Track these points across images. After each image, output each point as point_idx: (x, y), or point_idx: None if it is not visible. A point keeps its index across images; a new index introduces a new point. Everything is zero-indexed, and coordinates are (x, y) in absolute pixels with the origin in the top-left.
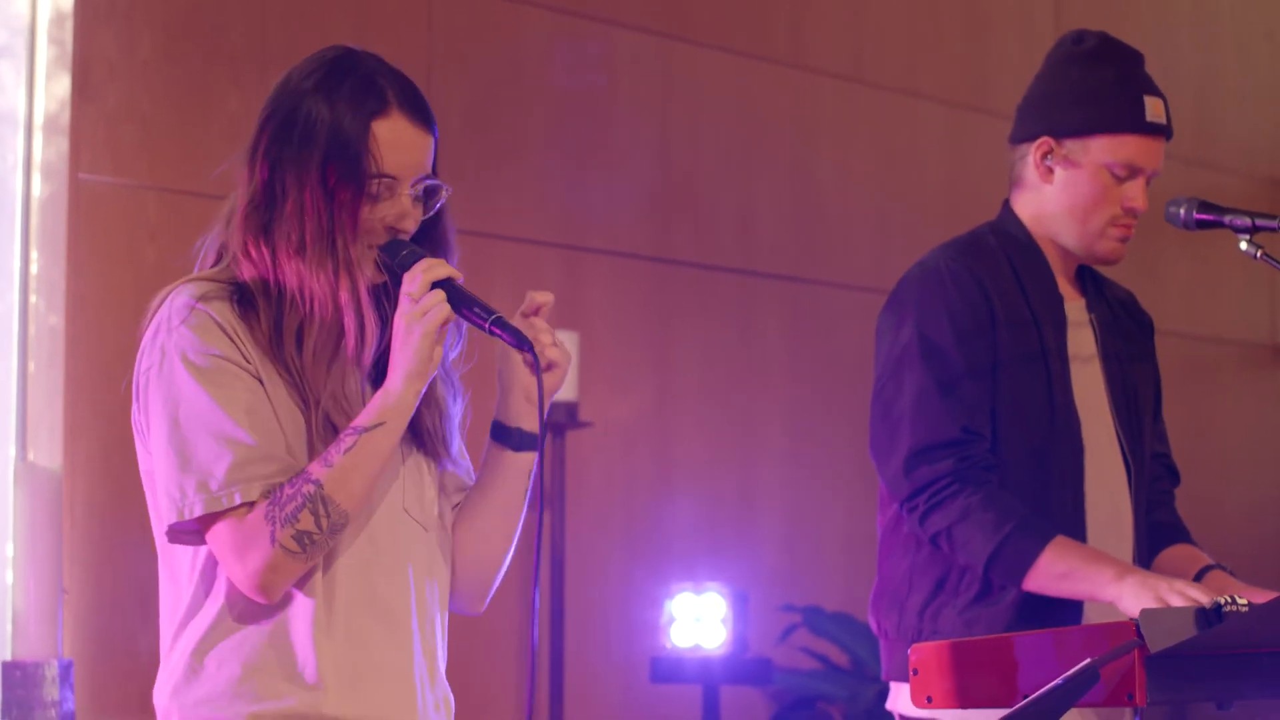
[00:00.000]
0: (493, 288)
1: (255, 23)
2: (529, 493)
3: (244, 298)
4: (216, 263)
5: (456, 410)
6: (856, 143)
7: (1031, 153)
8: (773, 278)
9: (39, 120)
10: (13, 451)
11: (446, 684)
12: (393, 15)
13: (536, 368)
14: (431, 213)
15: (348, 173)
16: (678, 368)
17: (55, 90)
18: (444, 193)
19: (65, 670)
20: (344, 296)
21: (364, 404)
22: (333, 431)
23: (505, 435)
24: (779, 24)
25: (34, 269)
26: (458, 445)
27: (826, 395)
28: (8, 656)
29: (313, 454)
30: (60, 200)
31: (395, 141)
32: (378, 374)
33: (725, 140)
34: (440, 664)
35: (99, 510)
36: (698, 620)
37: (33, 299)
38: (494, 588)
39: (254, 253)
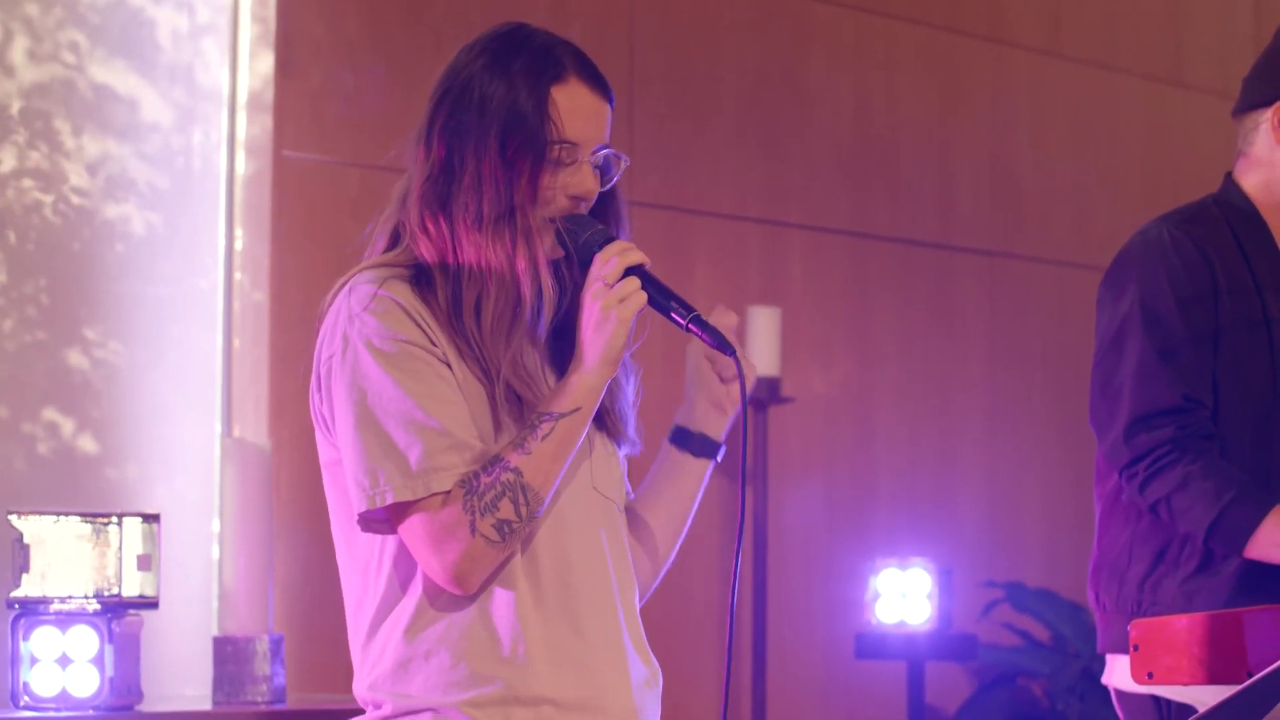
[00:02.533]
0: (694, 264)
1: (457, 1)
2: (699, 500)
3: (422, 279)
4: (389, 248)
5: (630, 389)
6: (1053, 116)
7: (1268, 118)
8: (970, 252)
9: (243, 98)
10: (218, 428)
11: (654, 656)
12: None
13: (739, 368)
14: (609, 185)
15: (526, 141)
16: (877, 342)
17: (259, 68)
18: (622, 163)
19: (276, 645)
20: (521, 264)
21: (541, 378)
22: (515, 402)
23: (687, 440)
24: None
25: (238, 245)
26: (634, 424)
27: (1025, 369)
28: (216, 631)
29: (497, 427)
30: (264, 177)
31: (575, 108)
32: (554, 349)
33: (922, 114)
34: (644, 637)
35: (305, 485)
36: (903, 596)
37: (237, 275)
38: (653, 587)
39: (431, 228)
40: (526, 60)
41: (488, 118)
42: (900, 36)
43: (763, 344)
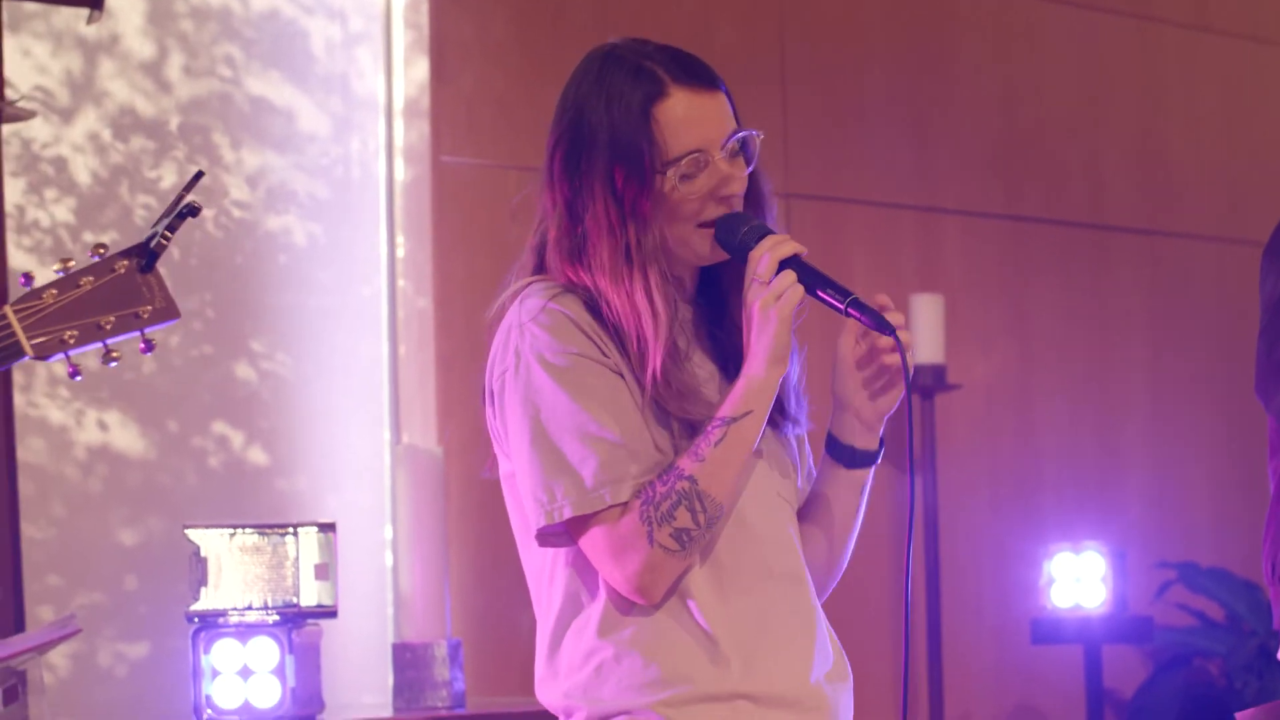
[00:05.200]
0: (850, 253)
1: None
2: (864, 508)
3: (590, 297)
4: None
5: (794, 371)
6: (1203, 91)
7: None
8: (1125, 231)
9: (399, 105)
10: (387, 435)
11: (842, 650)
12: None
13: (901, 350)
14: (753, 164)
15: (633, 170)
16: (1036, 325)
17: (414, 74)
18: (756, 140)
19: (454, 650)
20: (640, 298)
21: (698, 391)
22: (691, 428)
23: (839, 451)
24: None
25: (400, 253)
26: (803, 406)
27: (1185, 346)
28: (394, 638)
29: (677, 453)
30: (424, 183)
31: (684, 118)
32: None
33: (1070, 93)
34: (832, 631)
35: (476, 489)
36: (1077, 580)
37: (400, 283)
38: (825, 595)
39: (573, 277)
40: (620, 86)
41: (595, 155)
42: (1045, 17)
43: (927, 331)
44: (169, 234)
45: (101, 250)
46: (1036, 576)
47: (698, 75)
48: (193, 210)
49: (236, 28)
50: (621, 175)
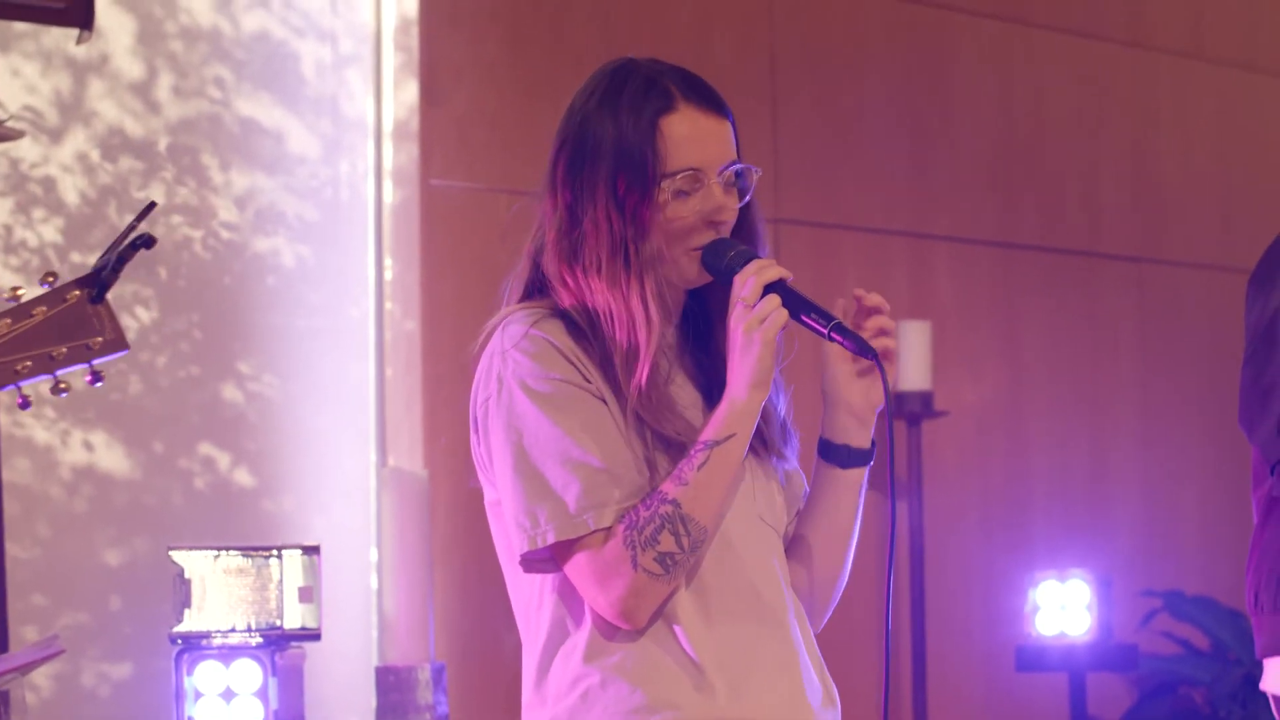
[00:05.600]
0: (842, 278)
1: (599, 18)
2: (861, 510)
3: (573, 321)
4: (523, 299)
5: (781, 405)
6: (1197, 119)
7: None
8: (1117, 258)
9: (388, 127)
10: (373, 457)
11: (829, 676)
12: (735, 5)
13: (883, 376)
14: (746, 199)
15: (636, 178)
16: (1027, 351)
17: (404, 97)
18: (754, 175)
19: (438, 673)
20: (635, 303)
21: (676, 410)
22: (665, 443)
23: (832, 453)
24: (1117, 2)
25: (388, 275)
26: (790, 441)
27: (1177, 374)
28: (378, 661)
29: (651, 469)
30: (412, 206)
31: (688, 134)
32: (713, 379)
33: (1064, 120)
34: (820, 658)
35: (461, 513)
36: (1063, 608)
37: (388, 305)
38: (832, 606)
39: (570, 281)
40: (631, 97)
41: (599, 162)
42: (1041, 44)
43: (914, 358)
44: (120, 266)
45: (51, 279)
46: (1022, 603)
47: (708, 99)
48: (146, 242)
49: (226, 49)
50: (624, 182)
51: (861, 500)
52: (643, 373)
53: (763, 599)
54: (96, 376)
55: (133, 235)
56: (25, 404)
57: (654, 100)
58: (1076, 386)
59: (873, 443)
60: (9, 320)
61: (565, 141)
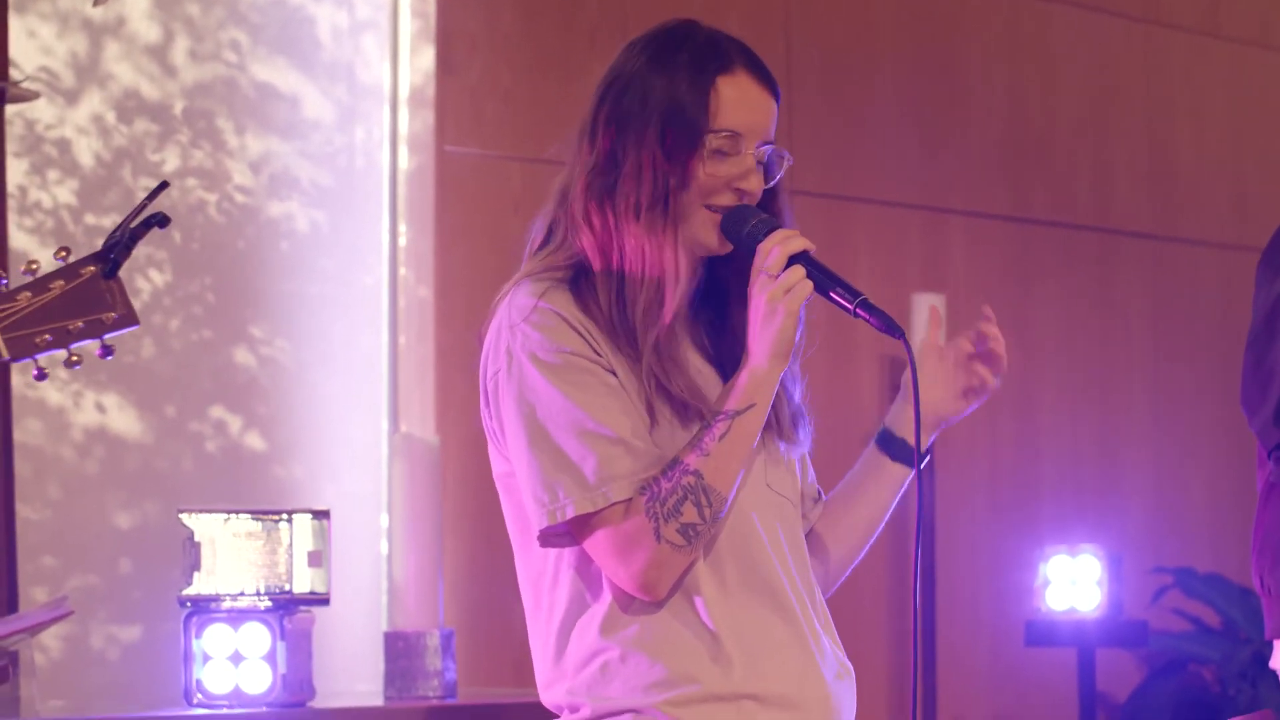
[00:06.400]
0: (856, 253)
1: None
2: (890, 512)
3: (581, 283)
4: (545, 242)
5: (796, 394)
6: (1211, 96)
7: None
8: (1130, 235)
9: (404, 94)
10: (385, 424)
11: (843, 650)
12: None
13: (909, 352)
14: (773, 183)
15: (686, 128)
16: (1038, 327)
17: (420, 64)
18: (785, 161)
19: (447, 640)
20: (668, 252)
21: (688, 369)
22: (673, 400)
23: (891, 444)
24: None
25: (402, 242)
26: (804, 426)
27: (1188, 352)
28: (387, 627)
29: (654, 423)
30: (427, 173)
31: (740, 98)
32: (725, 351)
33: (1078, 97)
34: (834, 630)
35: (472, 480)
36: (1073, 583)
37: (402, 271)
38: (839, 583)
39: (596, 220)
40: (691, 53)
41: (650, 108)
42: (1054, 20)
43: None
44: (131, 244)
45: (64, 254)
46: (1032, 579)
47: (764, 74)
48: (161, 221)
49: (243, 13)
50: (674, 132)
51: (895, 502)
52: (664, 322)
53: (775, 572)
54: (107, 350)
55: (145, 213)
56: (41, 375)
57: (717, 59)
58: (1087, 363)
59: (929, 449)
60: (29, 294)
61: (611, 86)
